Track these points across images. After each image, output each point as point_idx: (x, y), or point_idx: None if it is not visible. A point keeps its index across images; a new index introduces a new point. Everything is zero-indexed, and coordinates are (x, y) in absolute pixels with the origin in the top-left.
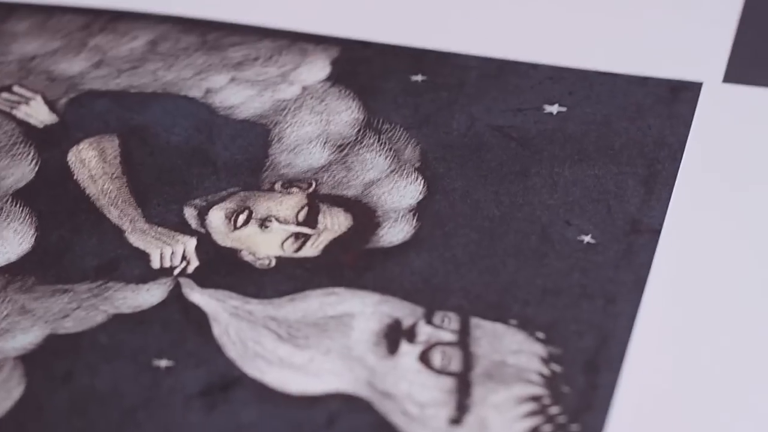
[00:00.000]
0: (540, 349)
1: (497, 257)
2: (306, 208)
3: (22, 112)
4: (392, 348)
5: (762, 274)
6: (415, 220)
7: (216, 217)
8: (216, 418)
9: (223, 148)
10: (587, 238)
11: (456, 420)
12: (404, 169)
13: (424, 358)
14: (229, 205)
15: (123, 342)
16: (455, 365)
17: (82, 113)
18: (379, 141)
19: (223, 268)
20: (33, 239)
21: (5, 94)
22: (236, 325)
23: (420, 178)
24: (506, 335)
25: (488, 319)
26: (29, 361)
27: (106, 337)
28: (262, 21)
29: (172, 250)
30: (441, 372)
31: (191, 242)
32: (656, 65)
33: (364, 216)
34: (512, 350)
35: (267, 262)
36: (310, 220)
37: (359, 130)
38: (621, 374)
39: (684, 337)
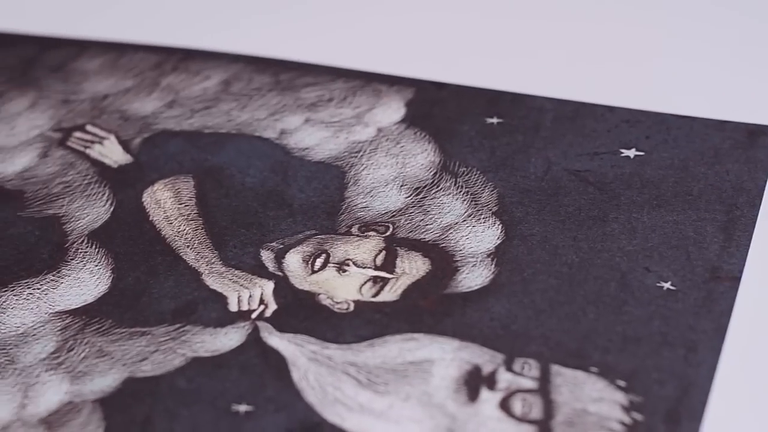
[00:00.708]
0: (621, 398)
1: (577, 304)
2: (383, 252)
3: (96, 152)
4: (473, 395)
5: None
6: (493, 265)
7: (293, 261)
8: None
9: (298, 190)
10: (667, 285)
11: None
12: (481, 213)
13: (505, 405)
14: (306, 248)
15: (202, 386)
16: (536, 413)
17: (156, 153)
18: (455, 184)
19: (301, 312)
20: (109, 281)
21: (79, 134)
22: (315, 370)
23: (497, 222)
24: (587, 383)
25: (569, 366)
26: (108, 404)
27: (184, 381)
28: (335, 61)
29: (250, 294)
30: (522, 420)
31: (269, 285)
32: (734, 109)
33: (442, 260)
34: (593, 398)
35: (345, 306)
36: (388, 264)
37: (435, 173)
38: (703, 424)
39: (766, 386)
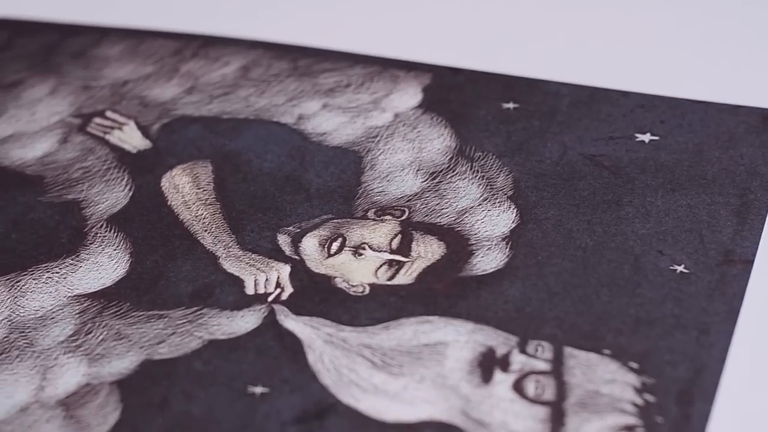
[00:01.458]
0: (633, 379)
1: (590, 287)
2: (399, 236)
3: (115, 138)
4: (486, 377)
5: None
6: (508, 249)
7: (310, 244)
8: None
9: (315, 174)
10: (680, 268)
11: None
12: (497, 198)
13: (518, 387)
14: (323, 232)
15: (218, 368)
16: (549, 394)
17: (174, 139)
18: (471, 169)
19: (317, 295)
20: (127, 265)
21: (98, 119)
22: (330, 353)
23: (513, 206)
24: (600, 365)
25: (582, 348)
26: (125, 386)
27: (201, 364)
28: (353, 47)
29: (267, 277)
30: (535, 401)
31: (285, 269)
32: (748, 94)
33: (458, 244)
34: (606, 380)
35: (361, 289)
36: (404, 248)
37: (452, 158)
38: (715, 405)
39: None
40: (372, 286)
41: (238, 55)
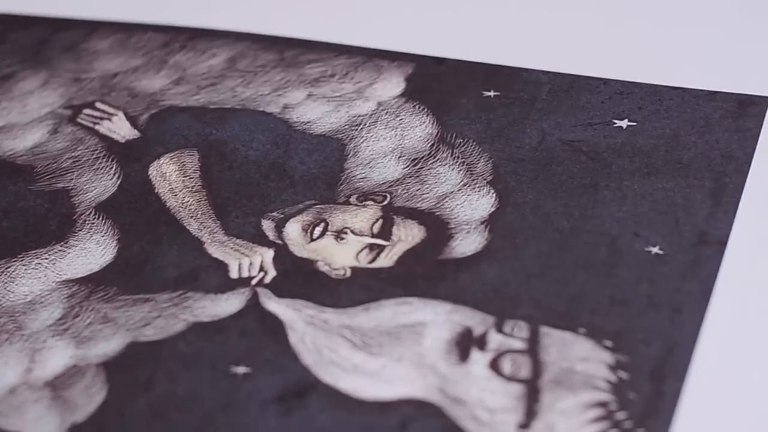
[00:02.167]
0: (607, 357)
1: (567, 268)
2: (381, 221)
3: (104, 128)
4: (463, 356)
5: None
6: (487, 232)
7: (293, 229)
8: (291, 423)
9: (299, 162)
10: (655, 249)
11: (525, 425)
12: (476, 183)
13: (495, 365)
14: (306, 217)
15: (202, 349)
16: (524, 372)
17: (162, 129)
18: (452, 155)
19: (299, 278)
20: (115, 250)
21: (88, 110)
22: (312, 334)
23: (492, 191)
24: (575, 343)
25: (557, 327)
26: (111, 367)
27: (185, 345)
28: (338, 38)
29: (250, 261)
30: (511, 379)
31: (269, 253)
32: (724, 80)
33: (438, 228)
34: (580, 358)
35: (342, 272)
36: (385, 232)
37: (433, 145)
38: (686, 382)
39: (749, 346)
40: (353, 269)
41: (225, 47)
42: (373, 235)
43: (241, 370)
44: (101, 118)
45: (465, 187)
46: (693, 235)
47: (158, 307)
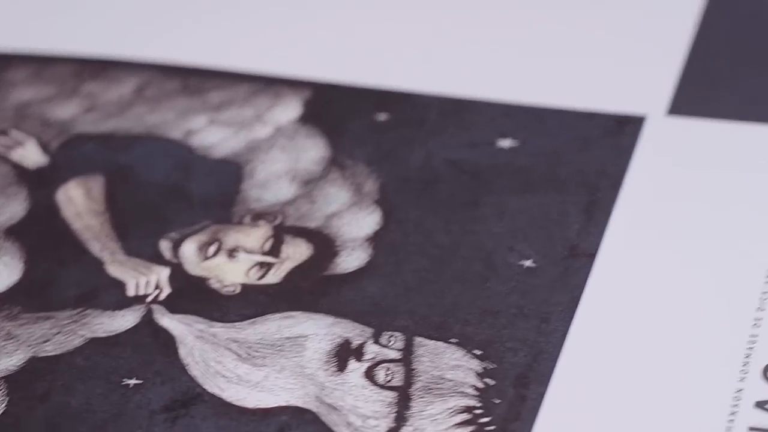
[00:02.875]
0: (476, 365)
1: (443, 282)
2: (271, 239)
3: (17, 155)
4: (341, 366)
5: (688, 300)
6: (370, 249)
7: (188, 249)
8: (177, 430)
9: (198, 184)
10: (528, 263)
11: (393, 430)
12: (364, 202)
13: (370, 374)
14: (202, 237)
15: (97, 363)
16: (397, 380)
17: (71, 155)
18: (342, 176)
19: (192, 295)
20: (21, 272)
21: (1, 139)
22: (200, 347)
23: (377, 209)
24: (446, 352)
25: (431, 338)
26: (11, 381)
27: (82, 359)
28: (240, 65)
29: (147, 280)
30: (384, 387)
31: (165, 272)
32: (605, 100)
33: (324, 245)
34: (450, 366)
35: (232, 288)
36: (275, 250)
37: (325, 167)
38: (549, 387)
39: (612, 354)
40: (243, 285)
41: (133, 75)
42: (263, 253)
43: (132, 381)
44: (13, 146)
45: (353, 206)
46: (564, 248)
47: (58, 324)
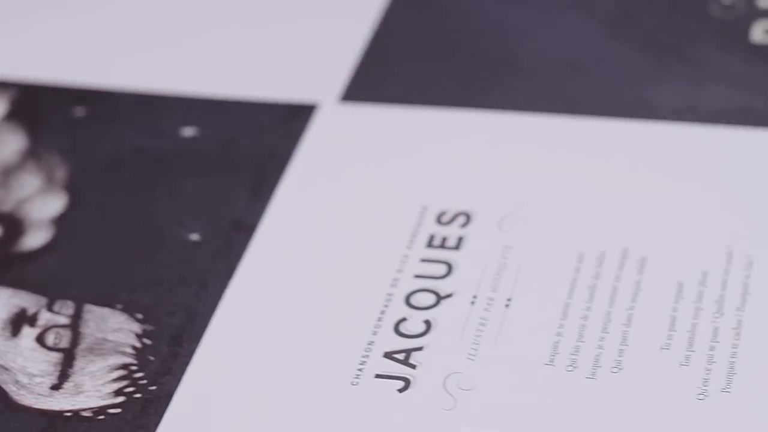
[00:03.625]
0: (137, 327)
1: (115, 256)
2: None
3: None
4: (15, 331)
5: (334, 266)
6: (54, 229)
7: None
8: None
9: None
10: (194, 236)
11: (56, 386)
12: (53, 188)
13: (41, 338)
14: None
15: None
16: (65, 342)
17: None
18: (37, 166)
19: None
20: None
21: None
22: None
23: (65, 194)
24: (111, 317)
25: (99, 305)
26: None
27: None
28: None
29: None
30: (52, 349)
31: None
32: (283, 91)
33: (13, 227)
34: (114, 329)
35: None
36: None
37: (23, 158)
38: (200, 345)
39: (263, 312)
40: None
41: None
42: None
43: None
44: None
45: (42, 191)
46: (229, 223)
47: None
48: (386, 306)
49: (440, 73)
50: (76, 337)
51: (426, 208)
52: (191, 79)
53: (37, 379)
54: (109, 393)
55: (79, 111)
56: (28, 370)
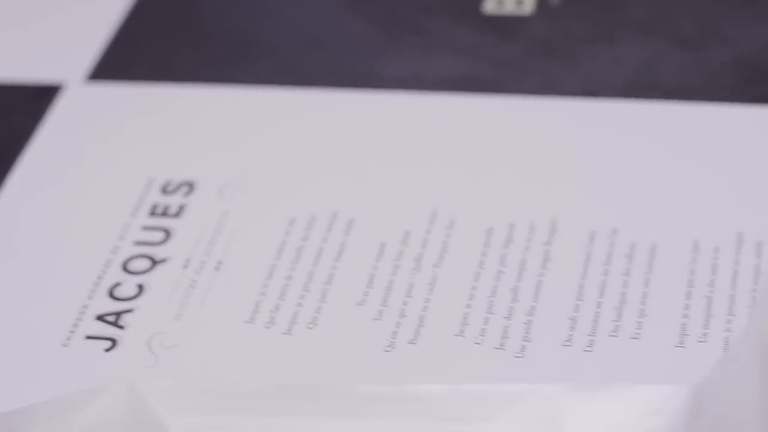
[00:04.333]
0: None
1: None
2: None
3: None
4: None
5: (61, 233)
6: None
7: None
8: None
9: None
10: None
11: None
12: None
13: None
14: None
15: None
16: None
17: None
18: None
19: None
20: None
21: None
22: None
23: None
24: None
25: None
26: None
27: None
28: None
29: None
30: None
31: None
32: (31, 72)
33: None
34: None
35: None
36: None
37: None
38: None
39: None
40: None
41: None
42: None
43: None
44: None
45: None
46: None
47: None
48: (104, 272)
49: (187, 52)
50: None
51: (153, 178)
52: None
53: None
54: None
55: None
56: None
